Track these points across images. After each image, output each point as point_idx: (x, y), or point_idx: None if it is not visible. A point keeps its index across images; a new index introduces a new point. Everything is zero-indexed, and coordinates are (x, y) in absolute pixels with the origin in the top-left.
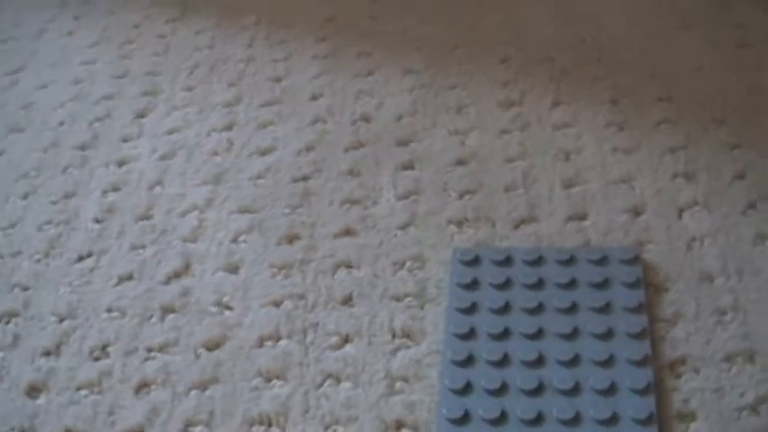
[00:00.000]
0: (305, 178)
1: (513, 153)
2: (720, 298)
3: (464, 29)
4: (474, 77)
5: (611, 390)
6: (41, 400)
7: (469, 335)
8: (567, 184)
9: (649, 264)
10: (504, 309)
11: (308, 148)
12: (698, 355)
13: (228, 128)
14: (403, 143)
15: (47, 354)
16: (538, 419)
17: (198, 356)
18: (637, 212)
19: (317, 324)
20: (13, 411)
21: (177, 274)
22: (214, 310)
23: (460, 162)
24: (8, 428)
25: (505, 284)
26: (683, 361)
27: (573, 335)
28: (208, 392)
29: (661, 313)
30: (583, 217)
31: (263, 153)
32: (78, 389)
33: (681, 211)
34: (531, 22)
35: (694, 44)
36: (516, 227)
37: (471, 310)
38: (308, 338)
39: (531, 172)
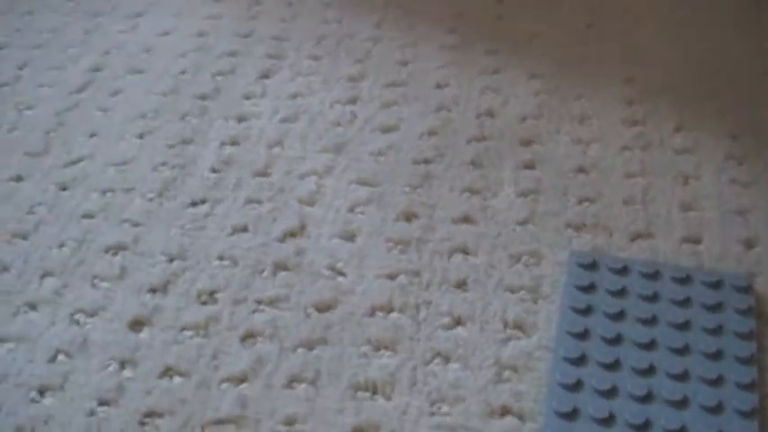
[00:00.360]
0: (426, 161)
1: (634, 170)
2: None
3: (591, 42)
4: (599, 91)
5: (717, 408)
6: (144, 335)
7: (583, 335)
8: (685, 207)
9: (760, 294)
10: (619, 315)
11: (431, 133)
12: None
13: (352, 101)
14: (525, 143)
15: (153, 291)
16: (645, 425)
17: (308, 316)
18: (750, 245)
19: (430, 302)
20: (114, 342)
21: (293, 234)
22: (327, 273)
23: (581, 170)
24: (108, 358)
25: (621, 292)
26: None
27: (684, 351)
28: (315, 352)
29: None
30: (697, 241)
31: (386, 131)
32: (183, 329)
33: None
34: (656, 49)
35: None
36: (632, 240)
37: (586, 311)
38: (421, 315)
39: (650, 190)
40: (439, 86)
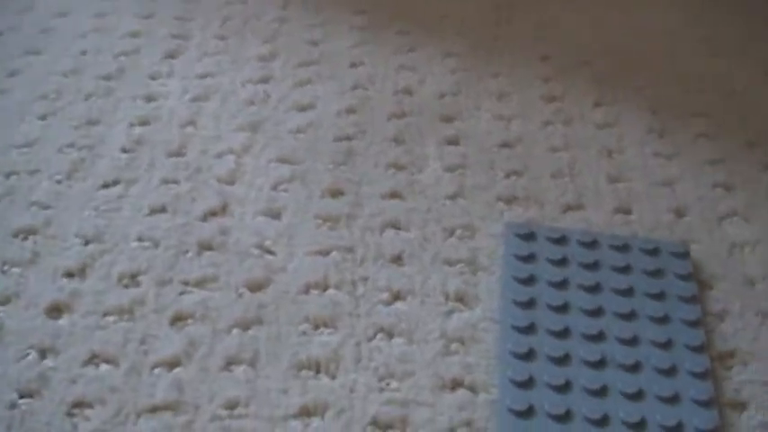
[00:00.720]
0: (348, 138)
1: (557, 144)
2: (764, 301)
3: (503, 22)
4: (515, 69)
5: (671, 371)
6: (64, 321)
7: (529, 304)
8: (612, 180)
9: (695, 261)
10: (563, 284)
11: (349, 111)
12: (746, 349)
13: (264, 81)
14: (447, 120)
15: (70, 275)
16: (602, 391)
17: (240, 296)
18: (680, 214)
19: (366, 278)
20: (32, 330)
21: (214, 213)
22: (255, 252)
23: (505, 145)
24: (26, 347)
25: (562, 261)
26: (731, 354)
27: (631, 316)
28: (251, 332)
29: (709, 308)
30: (628, 211)
31: (303, 109)
32: (106, 314)
33: (721, 219)
34: (568, 26)
35: (725, 68)
36: (564, 212)
37: (529, 281)
38: (359, 291)
39: (576, 164)
40: (353, 65)
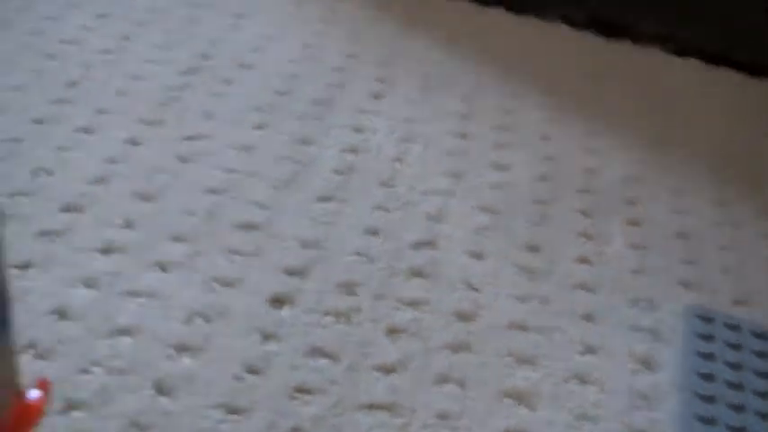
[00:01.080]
0: (542, 202)
1: (726, 243)
2: None
3: (681, 126)
4: (689, 168)
5: None
6: (286, 313)
7: (710, 377)
8: None
9: None
10: (738, 365)
11: (542, 179)
12: None
13: (463, 136)
14: (629, 202)
15: (291, 273)
16: None
17: (448, 322)
18: None
19: (560, 328)
20: (255, 315)
21: (423, 244)
22: (462, 287)
23: (681, 235)
24: (250, 328)
25: (737, 346)
26: None
27: None
28: (459, 356)
29: None
30: None
31: (499, 168)
32: (326, 314)
33: None
34: None
35: None
36: (734, 304)
37: (709, 357)
38: (555, 338)
39: (745, 263)
40: (544, 138)
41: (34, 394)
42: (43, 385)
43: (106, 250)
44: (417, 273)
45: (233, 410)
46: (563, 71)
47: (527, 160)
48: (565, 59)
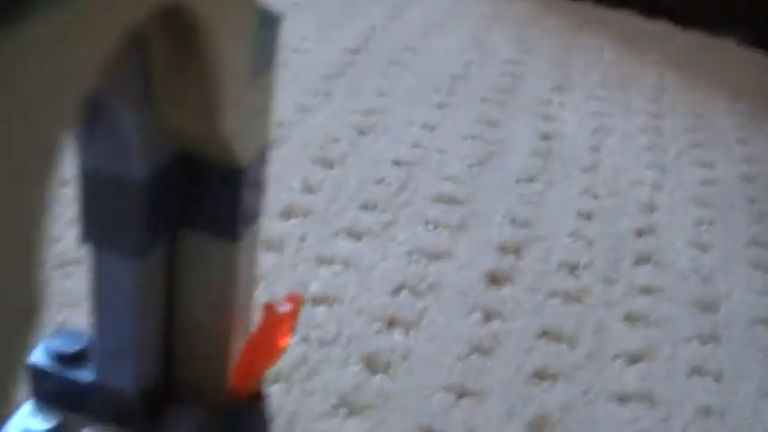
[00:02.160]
0: (756, 200)
1: None
2: None
3: None
4: None
5: None
6: (505, 292)
7: None
8: None
9: None
10: None
11: (746, 179)
12: None
13: (658, 131)
14: None
15: (503, 250)
16: None
17: (689, 312)
18: None
19: None
20: (472, 292)
21: (644, 231)
22: (693, 276)
23: None
24: (469, 306)
25: None
26: None
27: None
28: (708, 348)
29: None
30: None
31: (702, 166)
32: (552, 295)
33: None
34: None
35: None
36: None
37: None
38: None
39: None
40: (740, 141)
41: (285, 307)
42: (293, 300)
43: (287, 213)
44: (644, 259)
45: (463, 393)
46: (747, 84)
47: (727, 160)
48: (743, 74)
